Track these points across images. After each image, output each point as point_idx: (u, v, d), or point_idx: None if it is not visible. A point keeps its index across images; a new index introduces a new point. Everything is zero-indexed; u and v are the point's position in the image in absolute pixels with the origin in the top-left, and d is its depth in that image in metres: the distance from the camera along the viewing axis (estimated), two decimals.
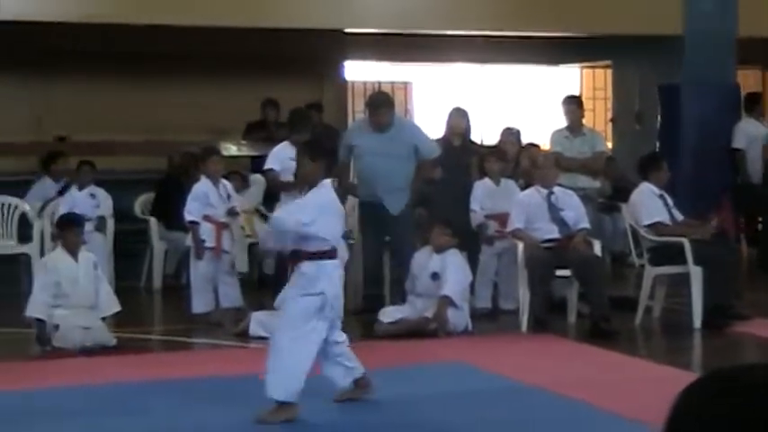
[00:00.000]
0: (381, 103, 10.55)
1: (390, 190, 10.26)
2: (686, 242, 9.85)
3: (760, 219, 14.27)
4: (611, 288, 11.37)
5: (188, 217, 10.27)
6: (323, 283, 6.67)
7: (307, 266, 6.68)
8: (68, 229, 9.37)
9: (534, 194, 10.29)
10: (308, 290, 6.65)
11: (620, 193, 12.38)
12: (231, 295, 10.42)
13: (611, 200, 13.21)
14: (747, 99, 14.39)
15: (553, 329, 9.76)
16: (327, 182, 6.81)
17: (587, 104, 18.09)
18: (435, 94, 17.63)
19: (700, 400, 1.46)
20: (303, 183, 6.88)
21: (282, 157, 10.23)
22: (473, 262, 11.01)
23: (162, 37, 13.69)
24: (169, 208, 11.30)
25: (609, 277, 10.87)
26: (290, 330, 6.63)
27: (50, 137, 14.53)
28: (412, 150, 10.34)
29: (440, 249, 9.83)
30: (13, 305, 9.49)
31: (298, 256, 6.73)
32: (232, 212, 10.60)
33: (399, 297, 10.24)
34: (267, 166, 10.46)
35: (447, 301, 9.58)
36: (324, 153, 6.91)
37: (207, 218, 10.30)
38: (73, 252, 9.25)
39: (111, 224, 12.33)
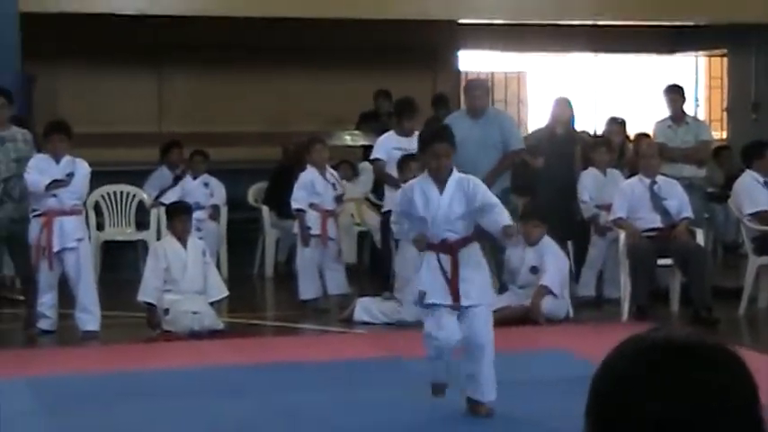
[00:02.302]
0: (476, 86, 10.66)
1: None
2: None
3: None
4: (721, 278, 11.34)
5: (294, 205, 10.54)
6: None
7: (474, 250, 6.66)
8: (176, 217, 9.70)
9: (637, 184, 10.30)
10: (487, 273, 6.82)
11: (733, 182, 12.28)
12: (337, 282, 10.63)
13: (723, 189, 13.09)
14: None
15: (655, 318, 9.76)
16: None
17: (703, 94, 18.00)
18: (550, 84, 17.61)
19: (617, 361, 1.59)
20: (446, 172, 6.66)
21: (388, 146, 10.42)
22: (580, 251, 11.07)
23: (279, 30, 13.98)
24: (281, 196, 11.55)
25: (711, 266, 10.80)
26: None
27: (171, 128, 14.92)
28: (498, 139, 10.29)
29: (531, 242, 9.92)
30: (130, 290, 9.82)
31: (462, 243, 6.60)
32: (339, 200, 10.82)
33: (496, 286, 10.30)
34: (374, 155, 10.64)
35: (544, 291, 9.70)
36: None
37: (313, 206, 10.54)
38: (182, 239, 9.59)
39: (224, 212, 12.68)
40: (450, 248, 6.51)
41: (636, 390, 1.53)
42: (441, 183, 6.56)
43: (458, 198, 6.52)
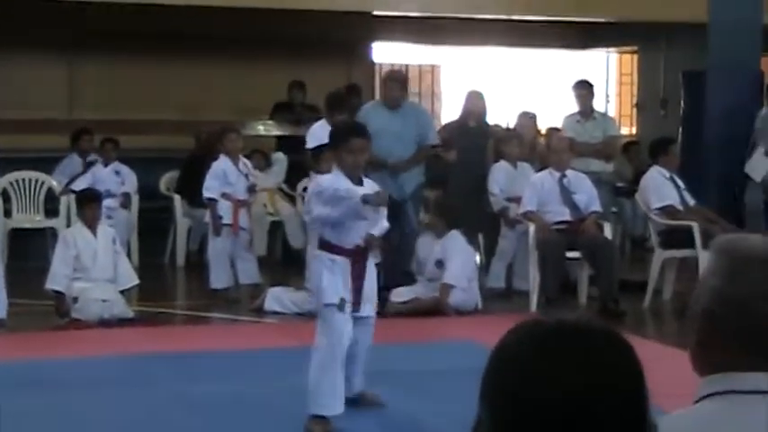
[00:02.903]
0: (393, 78, 10.73)
1: (398, 171, 10.33)
2: (695, 226, 9.97)
3: None
4: (628, 271, 11.54)
5: (206, 194, 10.52)
6: None
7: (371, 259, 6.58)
8: (86, 205, 9.64)
9: (547, 177, 10.44)
10: None
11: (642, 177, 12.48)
12: (249, 272, 10.63)
13: (632, 184, 13.30)
14: None
15: (563, 310, 9.89)
16: None
17: (614, 89, 18.28)
18: (463, 77, 17.74)
19: (512, 347, 1.64)
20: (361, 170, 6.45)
21: (322, 137, 10.34)
22: (491, 244, 11.19)
23: (192, 18, 13.90)
24: (193, 185, 11.53)
25: (619, 260, 11.01)
26: None
27: (82, 115, 14.77)
28: (414, 132, 10.35)
29: (438, 234, 9.99)
30: (39, 278, 9.72)
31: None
32: (251, 190, 10.80)
33: (407, 278, 10.37)
34: (310, 145, 10.55)
35: (448, 288, 9.78)
36: None
37: (225, 195, 10.52)
38: (91, 226, 9.52)
39: (135, 200, 12.61)
40: (361, 255, 6.35)
41: (532, 373, 1.58)
42: (357, 182, 6.30)
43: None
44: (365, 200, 6.15)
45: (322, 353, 6.26)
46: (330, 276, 6.26)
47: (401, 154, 10.20)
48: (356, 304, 6.34)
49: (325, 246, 6.35)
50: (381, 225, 6.52)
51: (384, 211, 6.59)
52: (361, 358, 6.57)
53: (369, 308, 6.46)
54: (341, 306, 6.24)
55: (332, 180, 6.33)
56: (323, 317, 6.35)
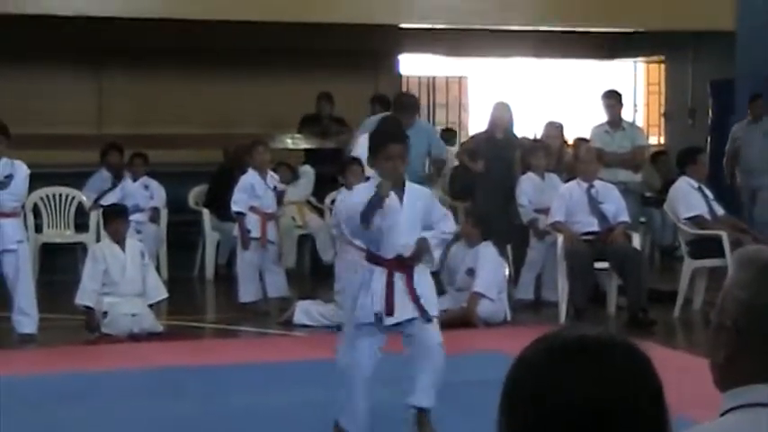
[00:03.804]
0: (396, 108, 11.01)
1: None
2: (724, 235, 9.93)
3: None
4: (658, 281, 11.50)
5: (234, 208, 10.54)
6: None
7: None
8: (113, 220, 9.68)
9: (575, 188, 10.43)
10: None
11: (671, 186, 12.44)
12: (277, 285, 10.65)
13: (660, 194, 13.26)
14: None
15: (592, 320, 9.87)
16: None
17: (641, 99, 18.24)
18: (490, 89, 17.74)
19: (533, 356, 1.64)
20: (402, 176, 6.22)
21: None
22: (519, 255, 11.17)
23: (220, 32, 13.96)
24: (222, 199, 11.58)
25: (648, 270, 10.96)
26: None
27: (112, 130, 14.85)
28: (427, 148, 10.91)
29: (471, 243, 10.00)
30: (69, 293, 9.77)
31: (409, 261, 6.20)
32: (280, 200, 10.83)
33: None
34: (354, 154, 10.60)
35: (477, 297, 9.77)
36: None
37: (253, 209, 10.56)
38: (118, 241, 9.56)
39: (164, 214, 12.66)
40: (404, 265, 6.08)
41: (545, 382, 1.59)
42: (397, 189, 6.05)
43: (418, 206, 6.14)
44: (371, 203, 5.94)
45: (347, 373, 6.15)
46: (365, 294, 6.05)
47: (412, 169, 10.47)
48: (421, 312, 6.09)
49: (367, 255, 6.18)
50: (447, 225, 6.28)
51: (448, 212, 6.48)
52: (432, 365, 6.24)
53: (432, 308, 6.21)
54: (378, 319, 6.04)
55: (353, 194, 6.25)
56: (351, 334, 6.21)
